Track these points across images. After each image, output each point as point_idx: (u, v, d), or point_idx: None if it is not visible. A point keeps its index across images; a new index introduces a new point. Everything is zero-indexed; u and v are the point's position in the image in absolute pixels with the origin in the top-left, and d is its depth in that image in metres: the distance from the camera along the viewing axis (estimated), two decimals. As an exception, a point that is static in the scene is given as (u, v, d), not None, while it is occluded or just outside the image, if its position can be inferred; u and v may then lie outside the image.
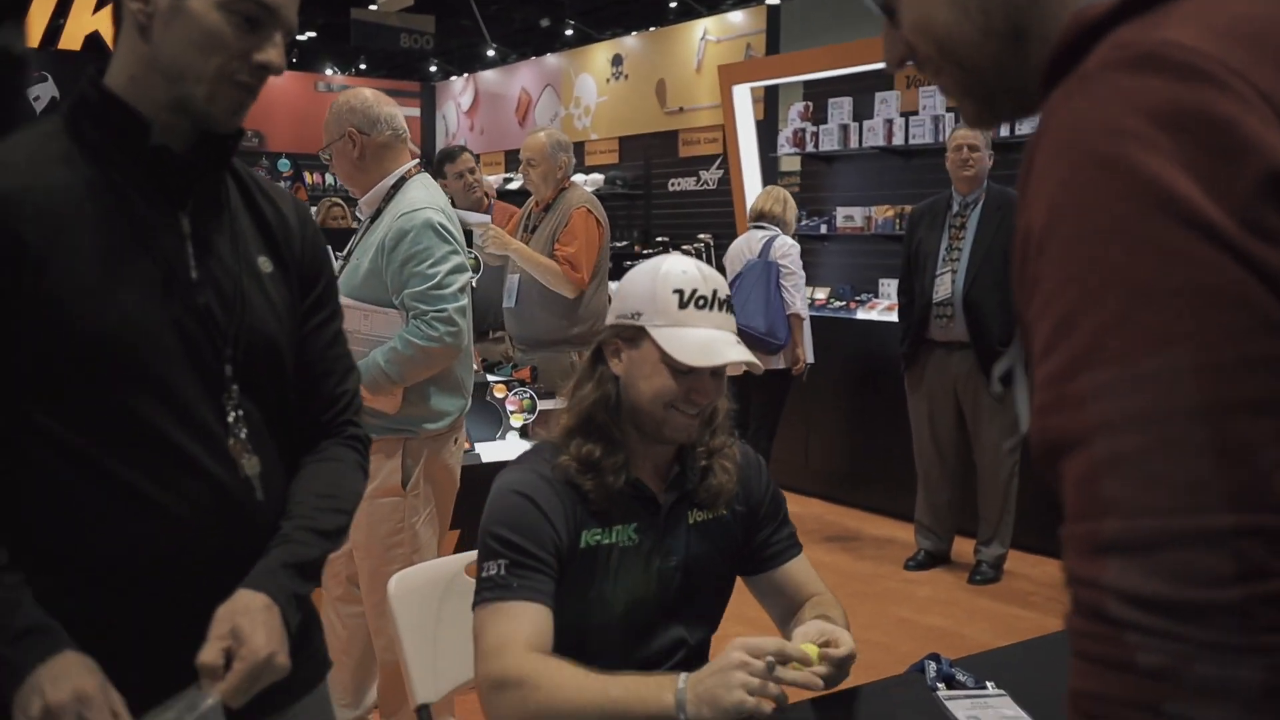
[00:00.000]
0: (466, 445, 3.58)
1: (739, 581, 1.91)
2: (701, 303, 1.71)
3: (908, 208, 6.14)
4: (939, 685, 1.83)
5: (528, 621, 1.58)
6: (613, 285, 6.45)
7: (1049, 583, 4.90)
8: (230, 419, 1.28)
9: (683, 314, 1.70)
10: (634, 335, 1.73)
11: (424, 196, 2.94)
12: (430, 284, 2.83)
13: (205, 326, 1.27)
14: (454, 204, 5.22)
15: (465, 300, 2.93)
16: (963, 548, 5.14)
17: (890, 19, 0.89)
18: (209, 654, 1.17)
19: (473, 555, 2.14)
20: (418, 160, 3.08)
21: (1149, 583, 0.65)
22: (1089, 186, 0.68)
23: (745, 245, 5.54)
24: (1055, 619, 4.40)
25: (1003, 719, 1.70)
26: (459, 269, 2.91)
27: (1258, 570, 0.64)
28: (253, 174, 1.41)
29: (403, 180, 2.99)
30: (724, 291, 1.75)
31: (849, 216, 6.71)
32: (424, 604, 2.00)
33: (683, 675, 1.50)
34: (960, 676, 1.84)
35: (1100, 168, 0.68)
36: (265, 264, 1.35)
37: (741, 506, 1.85)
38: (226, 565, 1.26)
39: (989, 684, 1.82)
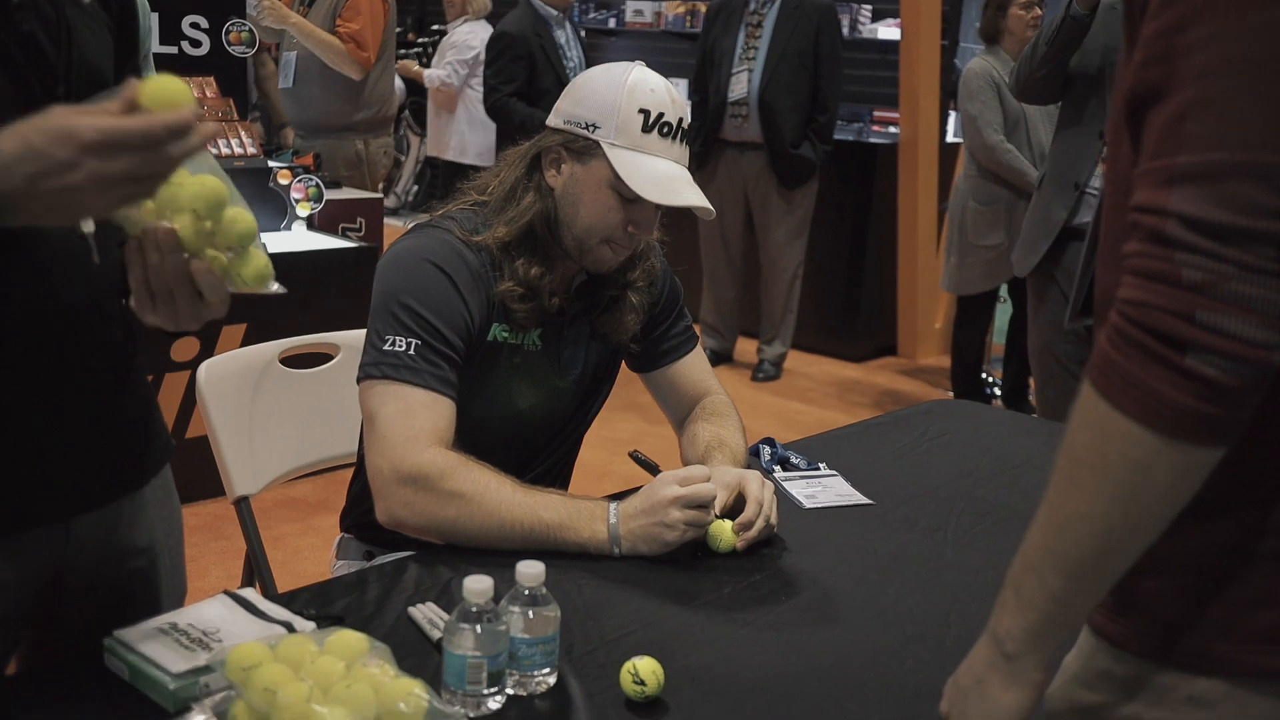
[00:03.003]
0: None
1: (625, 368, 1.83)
2: (666, 130, 1.54)
3: (701, 4, 6.03)
4: (774, 467, 1.86)
5: (438, 415, 1.47)
6: (399, 82, 6.06)
7: (826, 380, 5.13)
8: None
9: (645, 138, 1.53)
10: (585, 150, 1.56)
11: None
12: None
13: (32, 58, 1.07)
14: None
15: None
16: (745, 347, 5.29)
17: None
18: None
19: (285, 343, 2.01)
20: None
21: (1208, 208, 0.75)
22: None
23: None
24: (833, 413, 4.63)
25: (838, 496, 1.75)
26: None
27: None
28: None
29: None
30: (688, 120, 1.58)
31: (638, 11, 6.53)
32: (237, 393, 1.86)
33: (612, 507, 1.44)
34: (794, 459, 1.88)
35: None
36: None
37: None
38: (68, 322, 1.13)
39: (821, 465, 1.87)
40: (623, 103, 1.53)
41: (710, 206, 1.56)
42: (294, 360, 1.97)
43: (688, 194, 1.54)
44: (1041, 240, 2.94)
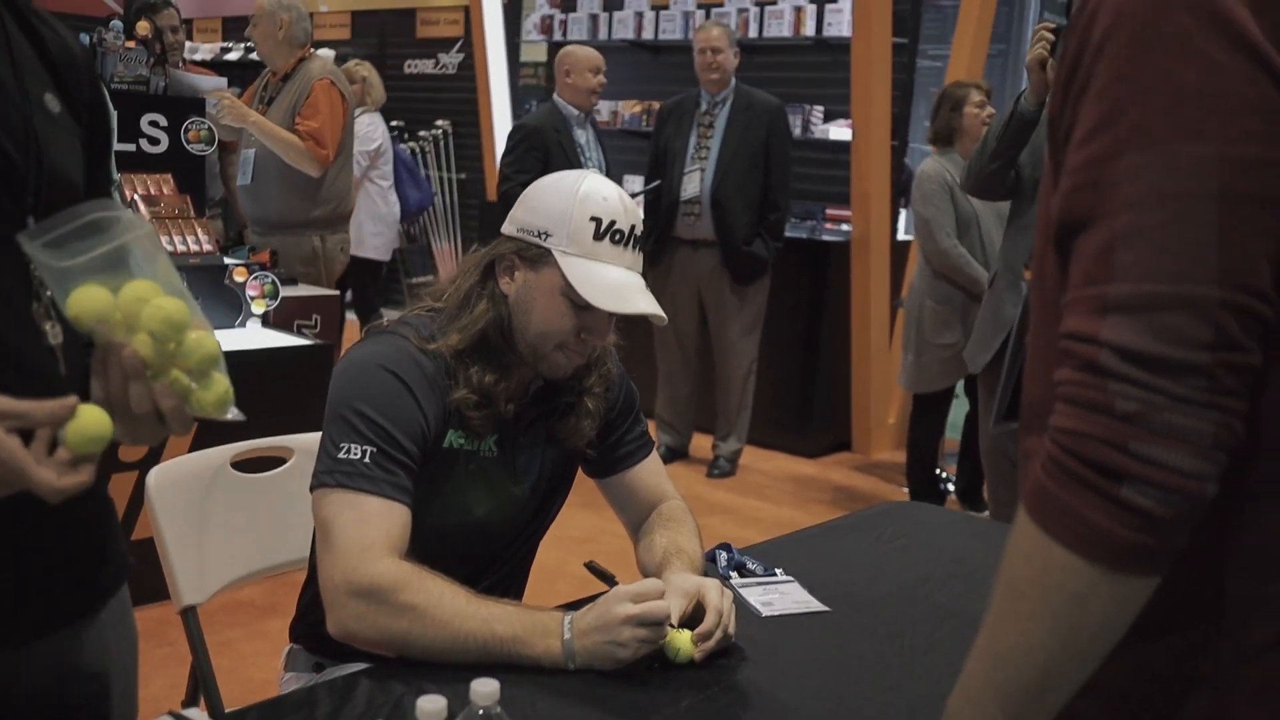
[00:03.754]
0: (204, 331, 3.31)
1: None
2: (618, 237, 1.55)
3: (655, 104, 6.14)
4: (731, 573, 1.85)
5: (392, 524, 1.45)
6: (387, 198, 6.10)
7: (781, 476, 5.13)
8: (33, 279, 1.08)
9: (597, 246, 1.54)
10: (537, 258, 1.56)
11: None
12: None
13: (1, 171, 1.06)
14: (166, 62, 4.77)
15: None
16: (700, 443, 5.29)
17: None
18: None
19: (236, 447, 1.99)
20: None
21: (1140, 339, 0.76)
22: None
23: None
24: (789, 510, 4.62)
25: (795, 603, 1.74)
26: None
27: (1230, 341, 0.76)
28: None
29: None
30: (640, 227, 1.60)
31: (595, 110, 6.63)
32: (187, 499, 1.83)
33: (566, 621, 1.42)
34: (750, 564, 1.87)
35: None
36: (53, 102, 1.14)
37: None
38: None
39: (777, 571, 1.86)
40: (574, 211, 1.55)
41: (662, 314, 1.57)
42: (246, 464, 1.95)
43: (640, 301, 1.55)
44: (993, 337, 2.99)
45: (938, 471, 4.67)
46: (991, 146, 3.07)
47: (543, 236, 1.56)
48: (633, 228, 1.58)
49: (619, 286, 1.54)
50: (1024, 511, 0.83)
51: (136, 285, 1.00)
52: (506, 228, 1.62)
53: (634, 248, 1.58)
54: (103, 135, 1.24)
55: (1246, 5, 0.77)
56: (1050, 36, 2.69)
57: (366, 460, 1.46)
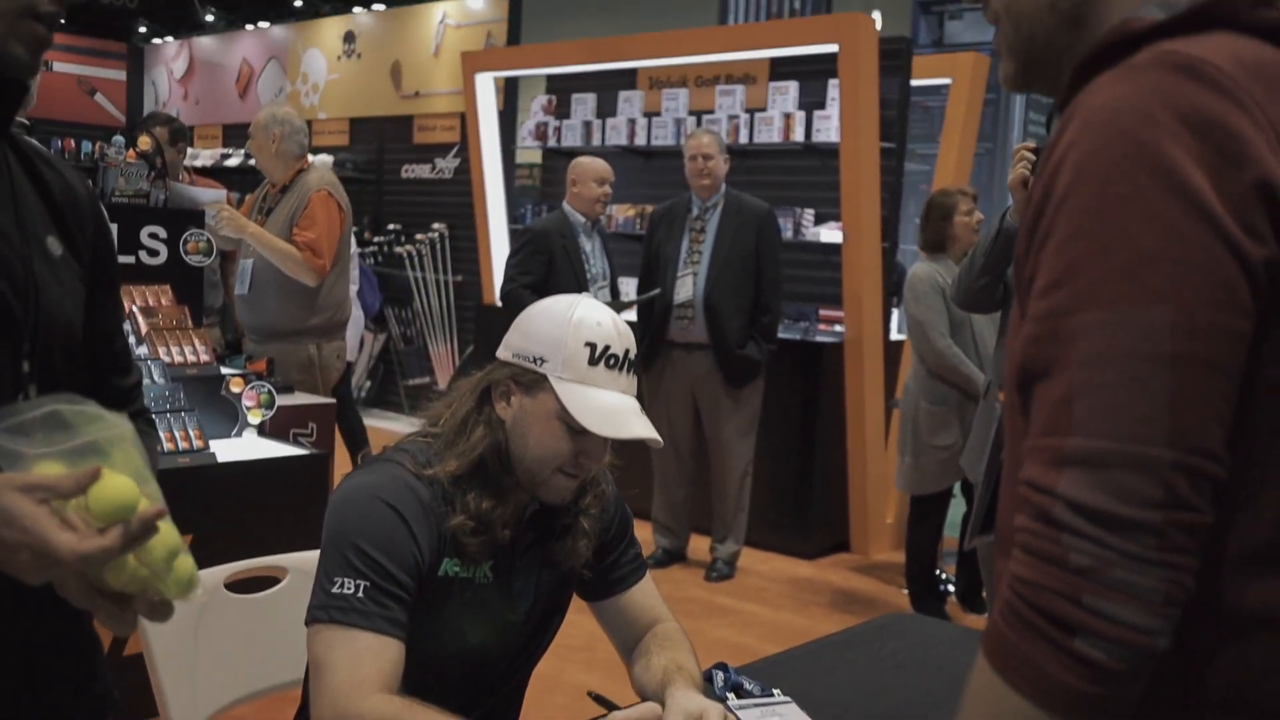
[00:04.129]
0: (200, 443, 3.33)
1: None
2: (613, 362, 1.57)
3: (648, 207, 6.23)
4: (728, 694, 1.83)
5: (385, 659, 1.45)
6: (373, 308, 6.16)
7: (779, 579, 5.09)
8: None
9: (591, 371, 1.56)
10: (533, 383, 1.58)
11: None
12: None
13: None
14: (174, 175, 4.86)
15: None
16: (698, 545, 5.26)
17: None
18: None
19: (231, 568, 1.98)
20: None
21: (1094, 495, 0.79)
22: (1117, 158, 0.81)
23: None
24: (788, 614, 4.58)
25: (793, 726, 1.72)
26: None
27: (1179, 501, 0.78)
28: (30, 140, 1.22)
29: None
30: (634, 351, 1.62)
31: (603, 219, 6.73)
32: (180, 621, 1.81)
33: None
34: (748, 685, 1.85)
35: (1131, 145, 0.81)
36: (55, 245, 1.16)
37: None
38: (24, 591, 1.09)
39: (775, 691, 1.84)
40: (569, 337, 1.57)
41: (658, 437, 1.58)
42: (240, 584, 1.94)
43: (635, 426, 1.56)
44: (984, 454, 3.00)
45: (937, 573, 4.64)
46: (979, 263, 3.12)
47: (538, 362, 1.58)
48: (626, 352, 1.60)
49: (614, 411, 1.56)
50: (983, 656, 0.85)
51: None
52: (502, 352, 1.63)
53: (628, 371, 1.60)
54: (107, 275, 1.26)
55: (1204, 173, 0.79)
56: (1030, 156, 2.76)
57: (360, 595, 1.47)
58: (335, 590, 1.47)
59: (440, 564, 1.57)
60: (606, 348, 1.57)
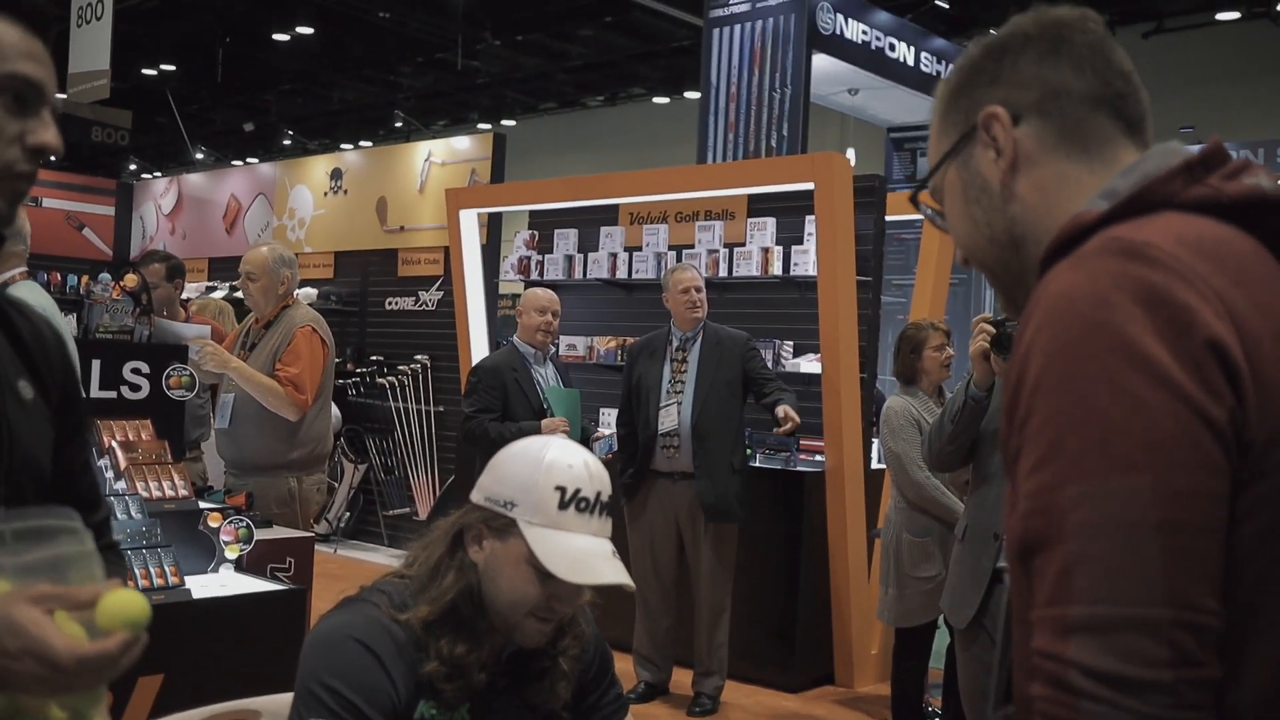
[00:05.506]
0: (175, 579, 3.29)
1: None
2: (583, 505, 1.57)
3: (630, 339, 6.30)
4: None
5: None
6: (336, 410, 6.18)
7: (764, 713, 5.00)
8: None
9: (561, 515, 1.55)
10: (503, 527, 1.58)
11: (40, 300, 2.95)
12: None
13: None
14: (162, 311, 4.91)
15: None
16: (681, 678, 5.17)
17: (945, 231, 1.15)
18: None
19: (204, 712, 1.95)
20: (24, 268, 2.98)
21: (1103, 659, 0.82)
22: (1079, 342, 0.87)
23: None
24: (773, 750, 4.48)
25: None
26: None
27: (1187, 658, 0.82)
28: None
29: (4, 284, 2.93)
30: (607, 493, 1.62)
31: (571, 345, 6.80)
32: (150, 771, 1.78)
33: None
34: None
35: (1089, 327, 0.87)
36: (26, 389, 1.19)
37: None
38: None
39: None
40: (539, 480, 1.56)
41: (631, 583, 1.57)
42: (212, 729, 1.90)
43: (606, 571, 1.56)
44: (973, 592, 3.00)
45: (924, 705, 4.57)
46: (948, 430, 3.22)
47: (508, 506, 1.58)
48: (598, 494, 1.59)
49: (585, 556, 1.55)
50: None
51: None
52: (475, 495, 1.64)
53: (600, 514, 1.60)
54: (75, 416, 1.29)
55: (1160, 343, 0.85)
56: (989, 329, 2.88)
57: None
58: None
59: (416, 706, 1.55)
60: (577, 491, 1.57)
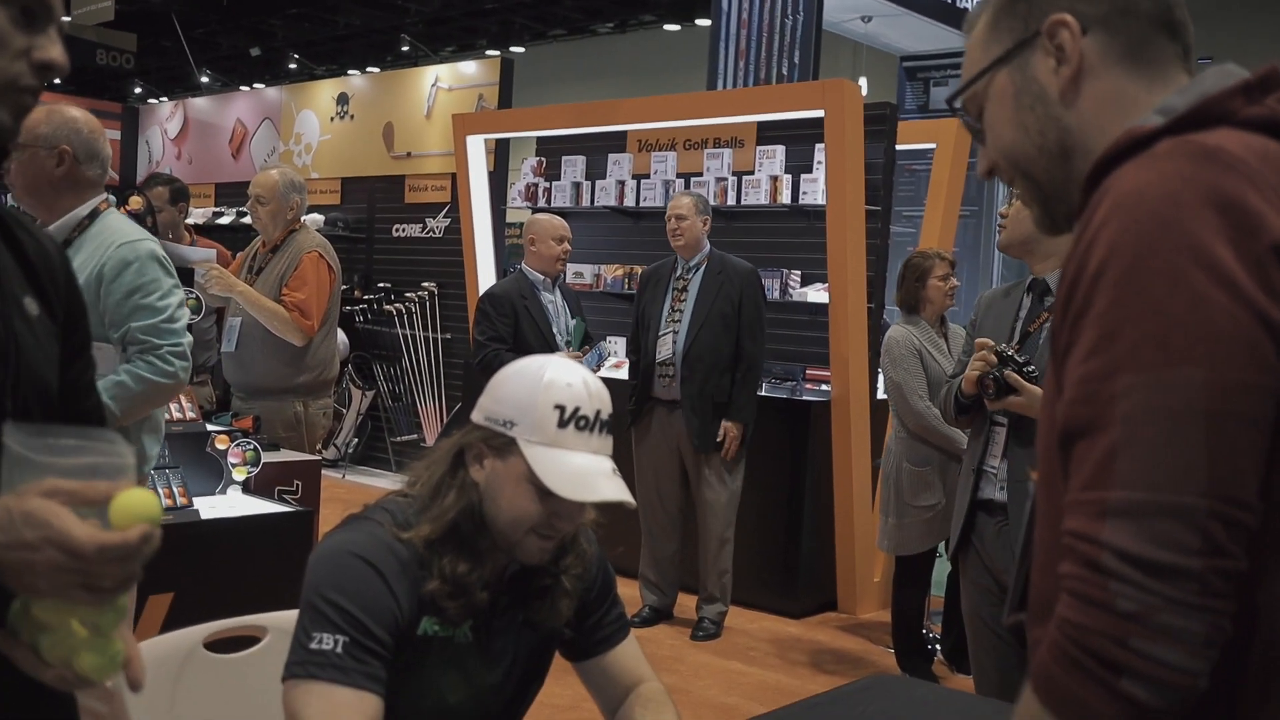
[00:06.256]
0: (184, 499, 3.33)
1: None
2: (583, 423, 1.57)
3: (637, 268, 6.28)
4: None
5: (363, 715, 1.45)
6: (343, 337, 6.14)
7: (766, 638, 5.07)
8: None
9: (561, 434, 1.55)
10: (503, 446, 1.58)
11: (134, 229, 2.90)
12: (162, 317, 2.78)
13: None
14: (167, 235, 4.90)
15: (190, 337, 2.91)
16: (686, 603, 5.23)
17: (979, 139, 1.15)
18: None
19: (210, 627, 1.97)
20: (107, 195, 2.93)
21: (1136, 543, 0.84)
22: (1147, 236, 0.89)
23: None
24: (774, 673, 4.56)
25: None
26: (182, 304, 2.91)
27: (1217, 548, 0.84)
28: (3, 203, 1.24)
29: (95, 212, 2.84)
30: (607, 411, 1.61)
31: (578, 273, 6.78)
32: (157, 685, 1.81)
33: None
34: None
35: (1159, 224, 0.89)
36: (32, 305, 1.18)
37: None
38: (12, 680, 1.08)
39: (755, 752, 1.84)
40: (539, 399, 1.56)
41: (631, 499, 1.58)
42: (219, 644, 1.93)
43: (605, 488, 1.56)
44: (957, 520, 3.01)
45: (924, 632, 4.62)
46: (950, 415, 3.10)
47: (508, 425, 1.58)
48: (598, 412, 1.59)
49: (584, 474, 1.55)
50: (1030, 689, 0.91)
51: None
52: (475, 415, 1.64)
53: (601, 432, 1.60)
54: (80, 334, 1.29)
55: (1226, 245, 0.87)
56: (992, 358, 2.74)
57: (339, 650, 1.47)
58: (314, 646, 1.47)
59: (419, 623, 1.57)
60: (576, 409, 1.57)
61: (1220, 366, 0.85)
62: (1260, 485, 0.87)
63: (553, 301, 5.05)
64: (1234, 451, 0.85)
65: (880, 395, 5.76)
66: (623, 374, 5.49)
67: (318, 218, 8.59)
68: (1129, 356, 0.87)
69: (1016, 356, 2.72)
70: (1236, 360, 0.86)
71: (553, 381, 1.58)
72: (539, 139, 7.35)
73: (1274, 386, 0.87)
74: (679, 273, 5.09)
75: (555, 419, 1.56)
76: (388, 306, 8.50)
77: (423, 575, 1.57)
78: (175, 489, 3.32)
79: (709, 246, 5.09)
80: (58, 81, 1.34)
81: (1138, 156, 0.95)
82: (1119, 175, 0.95)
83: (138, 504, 0.96)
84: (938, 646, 4.67)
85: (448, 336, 8.24)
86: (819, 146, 5.73)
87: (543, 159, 7.16)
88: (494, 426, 1.60)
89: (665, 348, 4.99)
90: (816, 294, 5.85)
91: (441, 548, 1.58)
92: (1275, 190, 0.90)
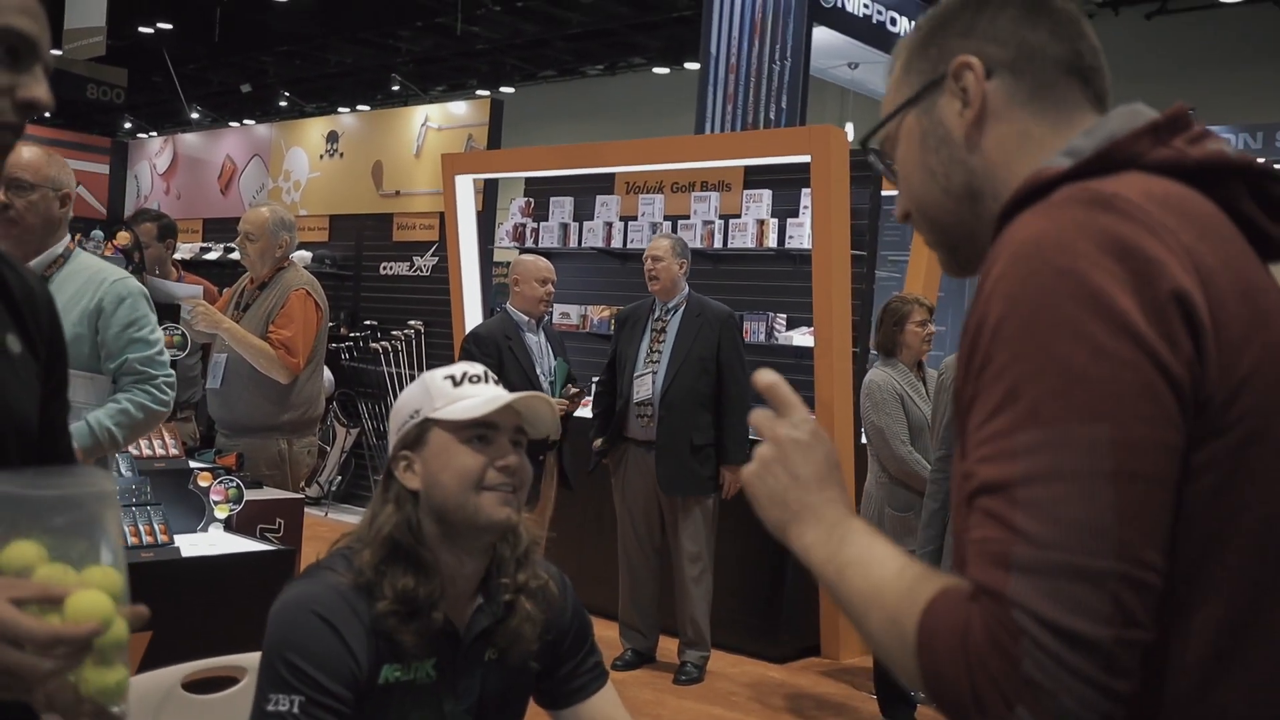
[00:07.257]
0: (165, 537, 3.31)
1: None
2: (475, 379, 1.68)
3: (622, 309, 6.31)
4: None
5: None
6: (329, 374, 6.18)
7: (749, 683, 5.05)
8: None
9: (459, 390, 1.65)
10: (419, 434, 1.65)
11: (113, 267, 3.09)
12: (155, 350, 2.98)
13: None
14: (154, 270, 4.90)
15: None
16: (668, 646, 5.21)
17: (895, 182, 1.12)
18: None
19: (187, 668, 1.96)
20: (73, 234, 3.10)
21: (1045, 604, 0.80)
22: (1044, 288, 0.86)
23: None
24: (755, 719, 4.53)
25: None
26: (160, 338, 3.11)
27: (1127, 617, 0.80)
28: None
29: (68, 250, 3.00)
30: (494, 375, 1.72)
31: (565, 314, 6.80)
32: (135, 724, 1.79)
33: None
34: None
35: (1056, 273, 0.86)
36: (14, 343, 1.19)
37: (548, 635, 1.75)
38: None
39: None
40: (429, 383, 1.68)
41: (551, 401, 1.64)
42: (198, 684, 1.92)
43: (510, 399, 1.64)
44: (945, 565, 3.01)
45: (906, 679, 4.60)
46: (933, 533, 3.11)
47: (414, 416, 1.66)
48: (485, 372, 1.70)
49: (492, 398, 1.64)
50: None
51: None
52: (390, 440, 1.71)
53: (495, 384, 1.69)
54: (59, 374, 1.29)
55: (1125, 293, 0.84)
56: None
57: (294, 710, 1.49)
58: (270, 708, 1.50)
59: (380, 672, 1.58)
60: (465, 372, 1.68)
61: (1125, 423, 0.82)
62: (1167, 547, 0.83)
63: (537, 342, 5.05)
64: (1142, 512, 0.82)
65: (864, 440, 5.78)
66: (586, 412, 5.46)
67: (305, 254, 8.61)
68: (1032, 413, 0.83)
69: None
70: (1142, 416, 0.82)
71: (434, 370, 1.70)
72: (527, 179, 7.40)
73: (1177, 443, 0.84)
74: (657, 314, 5.11)
75: (449, 385, 1.66)
76: (374, 344, 8.50)
77: (374, 611, 1.57)
78: (156, 526, 3.30)
79: (687, 289, 5.12)
80: (47, 115, 1.35)
81: (1035, 205, 0.93)
82: (1017, 224, 0.92)
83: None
84: (920, 694, 4.64)
85: (433, 375, 8.23)
86: (805, 191, 5.78)
87: (531, 199, 7.20)
88: (404, 429, 1.67)
89: (644, 388, 5.00)
90: (802, 337, 5.88)
91: (385, 567, 1.60)
92: (1176, 236, 0.87)
